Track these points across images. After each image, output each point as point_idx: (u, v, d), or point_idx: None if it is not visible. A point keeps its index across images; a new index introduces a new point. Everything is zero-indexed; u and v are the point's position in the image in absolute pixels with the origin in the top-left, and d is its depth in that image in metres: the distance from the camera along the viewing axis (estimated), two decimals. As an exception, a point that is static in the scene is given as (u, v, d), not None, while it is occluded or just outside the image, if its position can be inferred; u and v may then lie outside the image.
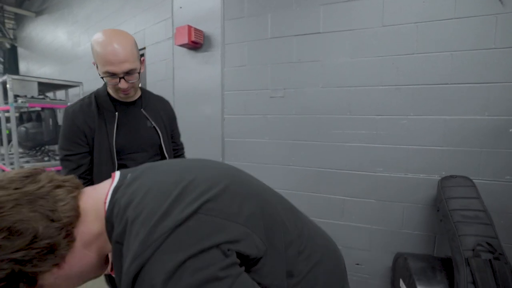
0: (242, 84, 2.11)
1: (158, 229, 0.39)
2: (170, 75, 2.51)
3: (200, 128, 2.31)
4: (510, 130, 1.48)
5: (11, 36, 7.71)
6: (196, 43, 2.16)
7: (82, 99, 1.17)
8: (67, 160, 1.10)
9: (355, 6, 1.73)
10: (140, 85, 1.26)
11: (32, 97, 3.16)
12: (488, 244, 1.21)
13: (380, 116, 1.73)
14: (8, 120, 3.76)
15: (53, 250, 0.41)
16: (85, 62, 3.96)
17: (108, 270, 0.57)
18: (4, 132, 3.30)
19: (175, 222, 0.39)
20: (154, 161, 1.22)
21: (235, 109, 2.16)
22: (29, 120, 3.81)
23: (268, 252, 0.46)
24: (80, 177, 1.07)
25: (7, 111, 3.26)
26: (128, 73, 1.05)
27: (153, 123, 1.24)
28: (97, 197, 0.49)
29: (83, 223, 0.46)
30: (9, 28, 7.61)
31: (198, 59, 2.27)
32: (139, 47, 2.81)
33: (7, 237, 0.37)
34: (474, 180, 1.52)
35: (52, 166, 3.35)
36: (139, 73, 1.12)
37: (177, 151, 1.44)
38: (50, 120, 3.33)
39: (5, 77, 2.95)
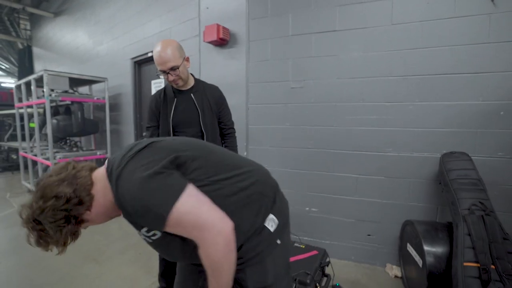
0: (265, 76, 2.37)
1: (123, 160, 0.72)
2: (196, 70, 2.76)
3: (226, 117, 2.57)
4: (501, 113, 1.74)
5: (26, 37, 7.97)
6: (223, 40, 2.42)
7: (159, 90, 1.60)
8: (147, 129, 1.63)
9: (368, 6, 1.99)
10: (195, 77, 1.61)
11: (65, 92, 3.41)
12: (481, 203, 1.47)
13: (389, 103, 1.99)
14: (32, 115, 4.02)
15: (81, 203, 0.72)
16: (108, 59, 4.23)
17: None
18: (37, 126, 3.55)
19: (132, 154, 0.73)
20: (198, 135, 1.55)
21: (258, 99, 2.41)
22: (56, 113, 4.07)
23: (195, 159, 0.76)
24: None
25: (35, 105, 3.52)
26: (172, 69, 1.41)
27: (197, 105, 1.55)
28: (101, 170, 0.79)
29: (96, 186, 0.76)
30: (23, 29, 7.87)
31: (224, 54, 2.53)
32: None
33: (56, 199, 0.69)
34: (472, 157, 1.77)
35: (80, 156, 3.62)
36: (179, 68, 1.42)
37: (225, 129, 1.72)
38: (79, 113, 3.59)
39: (41, 72, 3.21)
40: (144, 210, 0.66)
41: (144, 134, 1.64)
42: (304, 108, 2.25)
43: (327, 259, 1.85)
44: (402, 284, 1.91)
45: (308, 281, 1.53)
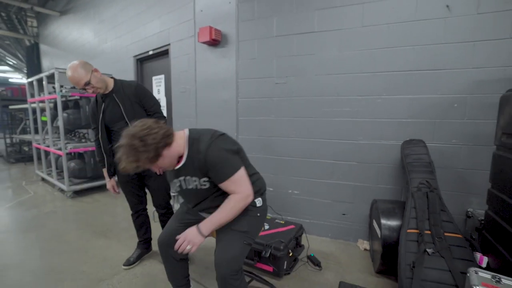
0: (253, 73, 2.63)
1: (213, 136, 1.19)
2: (192, 67, 3.03)
3: (218, 110, 2.85)
4: (455, 105, 1.99)
5: (33, 34, 8.28)
6: (215, 40, 2.68)
7: (93, 99, 1.90)
8: (93, 130, 1.95)
9: (342, 10, 2.23)
10: (115, 78, 1.90)
11: (73, 88, 3.71)
12: (427, 182, 1.74)
13: (360, 97, 2.24)
14: (43, 109, 4.34)
15: (165, 145, 1.12)
16: (112, 57, 4.51)
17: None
18: (49, 119, 3.86)
19: (218, 135, 1.22)
20: (123, 128, 1.96)
21: (247, 94, 2.68)
22: (65, 108, 4.38)
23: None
24: (96, 139, 1.93)
25: (47, 100, 3.83)
26: (86, 84, 1.68)
27: (118, 102, 1.82)
28: (181, 133, 1.24)
29: (176, 138, 1.18)
30: (30, 27, 8.16)
31: (217, 53, 2.79)
32: (164, 44, 3.40)
33: (158, 130, 1.11)
34: (429, 144, 2.04)
35: (88, 146, 3.94)
36: (90, 81, 1.69)
37: (150, 115, 1.91)
38: (87, 107, 3.89)
39: (52, 70, 3.50)
40: (223, 166, 1.15)
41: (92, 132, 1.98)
42: (287, 102, 2.51)
43: (302, 232, 2.15)
44: (369, 255, 2.20)
45: (281, 247, 1.83)
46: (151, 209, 2.12)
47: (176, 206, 3.26)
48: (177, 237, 1.22)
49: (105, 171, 1.98)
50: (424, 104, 2.07)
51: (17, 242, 2.49)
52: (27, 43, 8.77)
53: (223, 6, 2.70)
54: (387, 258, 1.78)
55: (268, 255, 1.82)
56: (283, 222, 2.22)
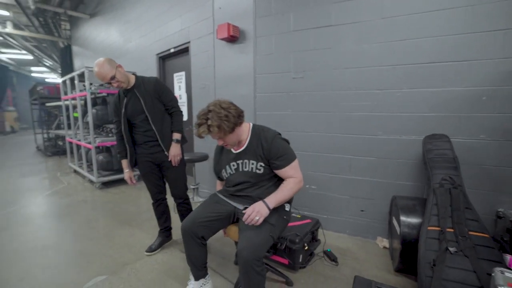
0: (270, 68, 2.65)
1: (275, 133, 1.47)
2: (211, 64, 3.10)
3: (237, 104, 2.89)
4: (483, 98, 1.87)
5: (66, 36, 8.85)
6: (234, 37, 2.72)
7: (117, 94, 2.02)
8: (115, 123, 2.04)
9: (360, 2, 2.17)
10: (136, 74, 1.99)
11: (101, 85, 3.95)
12: (451, 178, 1.67)
13: (379, 90, 2.18)
14: (75, 106, 4.65)
15: (238, 123, 1.36)
16: (136, 55, 4.72)
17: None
18: (80, 115, 4.14)
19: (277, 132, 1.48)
20: (144, 121, 2.05)
21: (264, 89, 2.71)
22: (94, 104, 4.66)
23: None
24: (117, 132, 2.03)
25: (78, 97, 4.10)
26: (111, 78, 1.80)
27: (139, 96, 1.93)
28: (246, 124, 1.49)
29: (242, 124, 1.41)
30: (64, 29, 8.74)
31: (235, 49, 2.83)
32: (184, 42, 3.50)
33: (236, 109, 1.38)
34: (454, 139, 1.95)
35: (115, 140, 4.17)
36: (115, 76, 1.81)
37: (169, 109, 2.05)
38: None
39: (83, 69, 3.75)
40: (286, 154, 1.39)
41: (114, 126, 2.10)
42: (304, 96, 2.51)
43: (318, 227, 2.14)
44: (389, 253, 2.16)
45: (297, 240, 1.84)
46: (171, 201, 2.21)
47: (195, 198, 3.38)
48: (244, 211, 1.36)
49: (124, 162, 2.07)
50: (447, 97, 1.97)
51: (54, 226, 2.72)
52: (61, 45, 9.40)
53: (241, 3, 2.73)
54: (407, 256, 1.74)
55: (283, 247, 1.85)
56: (299, 216, 2.23)
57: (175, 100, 2.08)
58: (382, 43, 2.13)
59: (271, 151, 1.38)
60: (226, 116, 1.28)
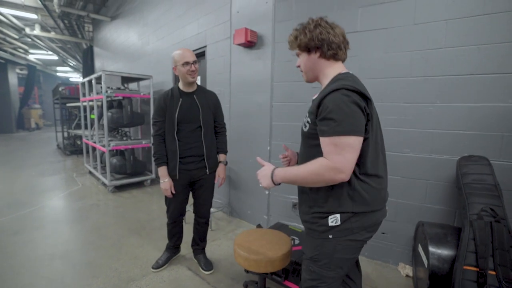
0: (288, 76, 2.50)
1: (345, 85, 0.89)
2: (228, 69, 3.00)
3: (252, 113, 2.78)
4: (532, 117, 1.64)
5: (89, 38, 9.11)
6: (251, 42, 2.60)
7: (167, 91, 1.86)
8: (155, 124, 1.84)
9: (390, 7, 1.99)
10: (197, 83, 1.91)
11: (118, 89, 3.95)
12: (492, 209, 1.45)
13: (408, 104, 1.98)
14: (92, 108, 4.71)
15: (317, 47, 1.02)
16: (153, 58, 4.72)
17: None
18: (96, 117, 4.19)
19: (351, 87, 0.89)
20: (197, 130, 1.88)
21: (282, 97, 2.56)
22: (110, 107, 4.70)
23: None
24: (159, 135, 1.83)
25: (95, 100, 4.14)
26: (194, 62, 1.76)
27: (198, 104, 1.84)
28: (342, 68, 1.07)
29: (331, 64, 1.05)
30: (87, 31, 8.99)
31: (252, 55, 2.71)
32: (201, 46, 3.41)
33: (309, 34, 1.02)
34: (495, 162, 1.72)
35: (129, 144, 4.17)
36: (196, 62, 1.78)
37: (218, 128, 2.01)
38: (128, 107, 4.12)
39: (100, 73, 3.77)
40: (334, 118, 0.87)
41: (153, 127, 1.87)
42: (323, 107, 2.34)
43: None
44: (412, 283, 1.95)
45: (312, 267, 1.68)
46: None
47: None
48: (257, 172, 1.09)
49: (163, 169, 1.82)
50: (488, 114, 1.75)
51: (65, 232, 2.71)
52: (84, 46, 9.68)
53: (260, 7, 2.61)
54: (435, 292, 1.54)
55: (296, 273, 1.70)
56: (314, 237, 2.06)
57: (224, 121, 2.05)
58: (414, 52, 1.93)
59: (320, 106, 0.91)
60: (309, 31, 1.02)
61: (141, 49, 5.18)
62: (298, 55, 1.11)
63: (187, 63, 1.72)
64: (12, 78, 13.40)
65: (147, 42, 4.91)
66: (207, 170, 1.91)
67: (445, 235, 1.66)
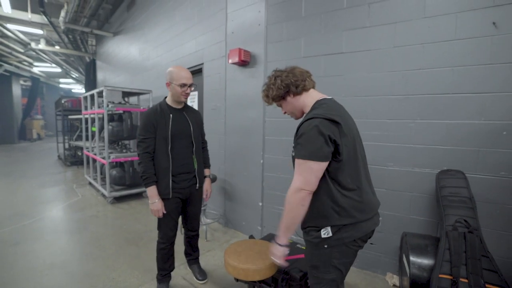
0: (279, 93, 2.64)
1: (318, 114, 1.04)
2: (223, 86, 3.15)
3: (246, 128, 2.91)
4: (504, 133, 1.76)
5: (92, 52, 9.39)
6: (245, 61, 2.76)
7: (154, 106, 1.83)
8: (143, 142, 1.74)
9: (372, 31, 2.14)
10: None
11: (119, 103, 4.10)
12: (465, 221, 1.55)
13: (391, 120, 2.11)
14: (93, 121, 4.86)
15: (288, 92, 1.20)
16: (153, 73, 4.89)
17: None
18: (97, 130, 4.33)
19: (323, 115, 1.03)
20: (189, 146, 1.92)
21: (274, 114, 2.70)
22: (111, 120, 4.84)
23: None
24: (147, 152, 1.74)
25: (96, 114, 4.29)
26: (191, 85, 1.79)
27: (189, 120, 1.88)
28: (316, 94, 1.22)
29: (308, 94, 1.20)
30: (90, 45, 9.28)
31: (246, 73, 2.87)
32: (198, 63, 3.56)
33: (293, 76, 1.18)
34: (471, 175, 1.83)
35: (128, 156, 4.28)
36: (192, 85, 1.82)
37: (203, 144, 2.10)
38: (129, 121, 4.26)
39: (102, 88, 3.93)
40: (301, 143, 1.04)
41: (139, 145, 1.75)
42: (313, 123, 2.47)
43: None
44: (399, 292, 2.02)
45: (298, 277, 1.76)
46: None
47: (203, 219, 3.36)
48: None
49: (153, 189, 1.72)
50: (464, 130, 1.87)
51: (64, 243, 2.79)
52: (87, 59, 9.96)
53: (253, 28, 2.78)
54: (417, 300, 1.62)
55: (284, 284, 1.77)
56: (304, 248, 2.14)
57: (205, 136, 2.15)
58: (395, 72, 2.07)
59: (297, 132, 1.08)
60: (273, 84, 1.21)
61: (142, 64, 5.37)
62: (279, 105, 1.30)
63: (184, 84, 1.73)
64: (16, 90, 13.68)
65: (148, 58, 5.11)
66: (197, 185, 1.95)
67: (426, 246, 1.74)
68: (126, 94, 4.70)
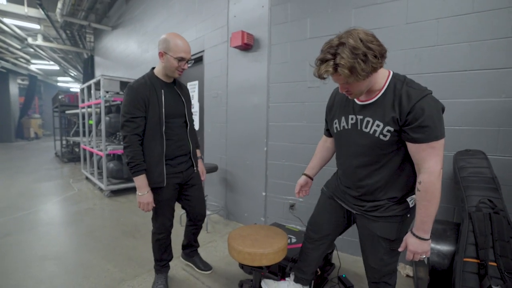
0: (284, 77, 2.53)
1: (426, 90, 0.99)
2: (224, 72, 3.04)
3: (249, 114, 2.79)
4: (526, 111, 1.65)
5: (90, 48, 9.27)
6: (248, 45, 2.64)
7: (140, 79, 1.51)
8: (131, 121, 1.41)
9: (382, 7, 2.04)
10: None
11: (116, 93, 3.98)
12: (490, 201, 1.43)
13: (404, 101, 1.99)
14: (90, 114, 4.73)
15: (377, 68, 0.95)
16: (152, 65, 4.73)
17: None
18: (94, 123, 4.19)
19: (428, 91, 0.99)
20: (183, 126, 1.68)
21: (278, 98, 2.58)
22: (109, 112, 4.72)
23: None
24: (137, 134, 1.43)
25: (93, 105, 4.16)
26: (188, 60, 1.52)
27: (181, 95, 1.63)
28: (386, 70, 1.06)
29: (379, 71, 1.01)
30: (88, 41, 9.16)
31: (249, 58, 2.75)
32: (199, 51, 3.43)
33: (372, 63, 0.92)
34: (492, 156, 1.72)
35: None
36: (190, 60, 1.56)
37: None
38: (127, 112, 4.13)
39: (99, 77, 3.80)
40: (435, 125, 0.94)
41: (126, 125, 1.41)
42: (320, 107, 2.35)
43: (332, 249, 1.93)
44: (413, 283, 1.90)
45: (309, 264, 1.64)
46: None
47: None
48: (406, 258, 1.09)
49: (143, 178, 1.46)
50: (483, 109, 1.76)
51: (58, 234, 2.65)
52: (85, 56, 9.84)
53: (256, 11, 2.67)
54: (436, 290, 1.50)
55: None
56: (311, 236, 2.02)
57: None
58: (407, 50, 1.96)
59: (412, 114, 0.93)
60: (365, 55, 0.89)
61: (141, 56, 5.26)
62: (347, 83, 0.99)
63: (182, 59, 1.47)
64: (13, 88, 13.53)
65: (146, 50, 5.00)
66: (195, 168, 1.76)
67: (444, 231, 1.63)
68: (124, 85, 4.57)
